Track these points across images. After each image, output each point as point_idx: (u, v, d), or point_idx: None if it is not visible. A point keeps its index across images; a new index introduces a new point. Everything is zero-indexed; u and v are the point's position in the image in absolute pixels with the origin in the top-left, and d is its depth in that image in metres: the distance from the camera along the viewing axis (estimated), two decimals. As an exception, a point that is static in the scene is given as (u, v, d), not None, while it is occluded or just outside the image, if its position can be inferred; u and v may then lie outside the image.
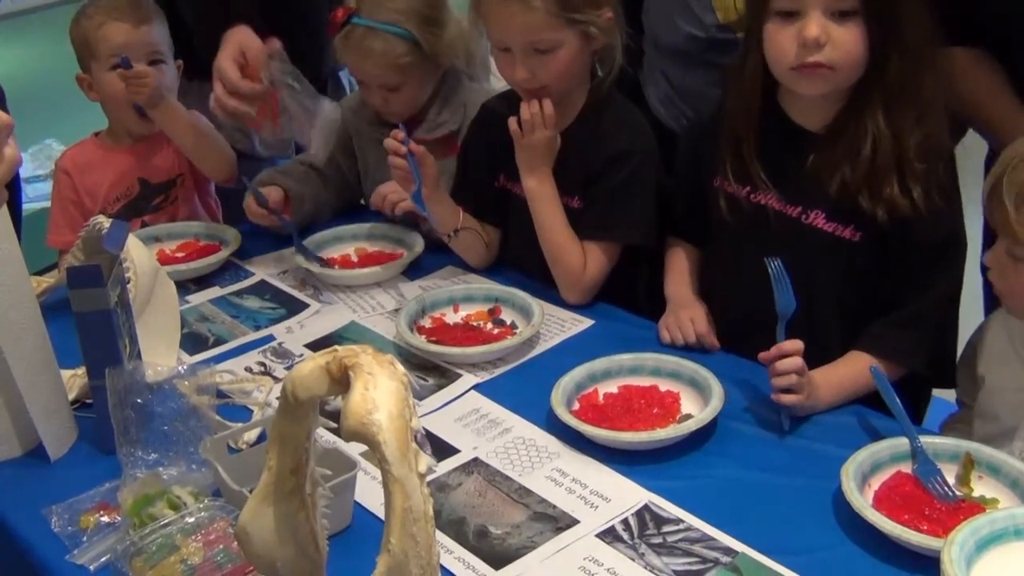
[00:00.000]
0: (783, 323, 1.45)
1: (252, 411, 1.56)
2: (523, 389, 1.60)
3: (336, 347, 0.88)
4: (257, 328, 1.82)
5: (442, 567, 1.23)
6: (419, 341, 1.69)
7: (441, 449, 1.46)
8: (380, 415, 0.81)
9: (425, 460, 0.83)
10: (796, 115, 1.56)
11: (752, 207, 1.60)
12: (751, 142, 1.57)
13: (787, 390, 1.43)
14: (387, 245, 2.06)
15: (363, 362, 0.84)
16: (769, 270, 1.44)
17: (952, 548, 1.01)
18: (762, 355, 1.44)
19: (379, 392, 0.82)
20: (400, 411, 0.82)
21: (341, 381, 0.86)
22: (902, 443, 1.35)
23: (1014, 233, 1.33)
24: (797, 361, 1.42)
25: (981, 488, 1.30)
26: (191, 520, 1.22)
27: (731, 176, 1.61)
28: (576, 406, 1.51)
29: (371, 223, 2.12)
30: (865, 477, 1.31)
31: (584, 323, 1.78)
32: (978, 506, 1.25)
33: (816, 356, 1.47)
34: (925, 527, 1.23)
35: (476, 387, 1.61)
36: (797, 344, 1.42)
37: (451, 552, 1.26)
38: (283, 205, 2.08)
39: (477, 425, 1.52)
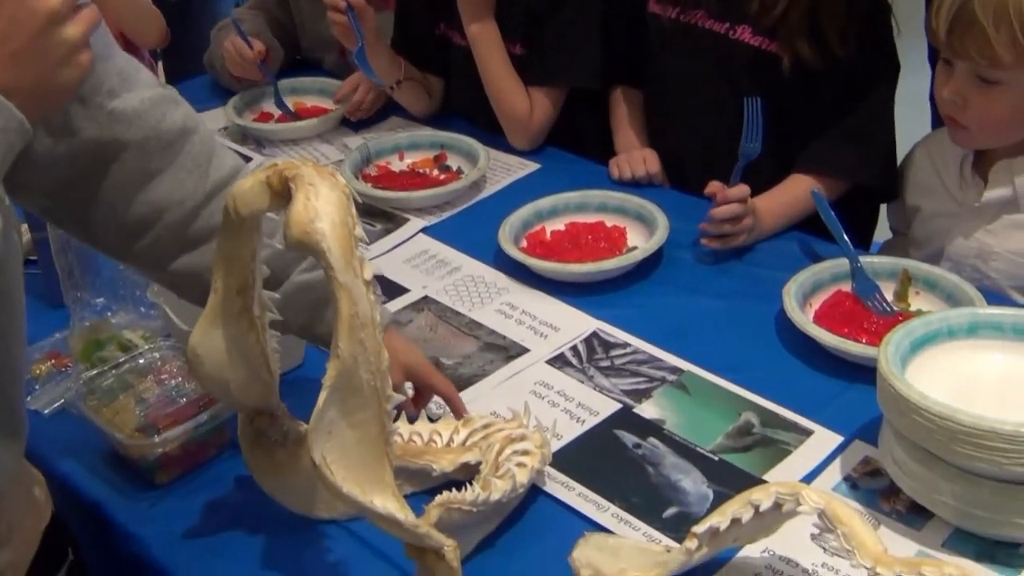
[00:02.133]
0: (743, 164, 1.46)
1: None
2: (471, 230, 1.61)
3: (276, 161, 0.87)
4: (200, 183, 1.80)
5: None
6: (365, 187, 1.69)
7: (391, 289, 1.47)
8: (323, 223, 0.81)
9: (370, 267, 0.84)
10: None
11: (682, 27, 1.61)
12: None
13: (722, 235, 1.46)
14: (324, 99, 2.03)
15: (304, 174, 0.83)
16: (745, 110, 1.44)
17: (888, 348, 1.04)
18: (708, 191, 1.46)
19: (321, 201, 0.82)
20: (343, 219, 0.82)
21: (283, 194, 0.85)
22: (842, 263, 1.38)
23: (992, 54, 1.25)
24: (734, 208, 1.44)
25: (918, 303, 1.34)
26: (143, 361, 1.23)
27: None
28: (524, 243, 1.52)
29: (310, 77, 2.08)
30: (806, 297, 1.34)
31: (531, 166, 1.78)
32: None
33: (746, 179, 1.49)
34: (864, 339, 1.27)
35: (424, 230, 1.62)
36: (743, 190, 1.45)
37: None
38: (265, 55, 2.04)
39: (426, 266, 1.53)
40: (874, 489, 1.08)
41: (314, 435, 0.83)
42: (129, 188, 1.00)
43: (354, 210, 0.84)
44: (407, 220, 1.64)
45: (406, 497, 1.04)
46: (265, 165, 0.87)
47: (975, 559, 0.99)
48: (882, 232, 1.70)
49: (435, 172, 1.77)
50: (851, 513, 0.89)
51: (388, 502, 0.87)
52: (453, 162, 1.78)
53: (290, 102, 2.02)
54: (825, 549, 1.01)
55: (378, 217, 1.65)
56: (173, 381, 1.19)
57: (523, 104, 1.78)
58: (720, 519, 0.93)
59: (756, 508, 0.92)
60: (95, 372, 1.21)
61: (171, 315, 1.28)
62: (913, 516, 1.04)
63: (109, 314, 1.33)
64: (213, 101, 2.07)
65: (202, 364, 0.97)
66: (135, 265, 1.11)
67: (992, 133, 1.36)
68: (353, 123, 1.96)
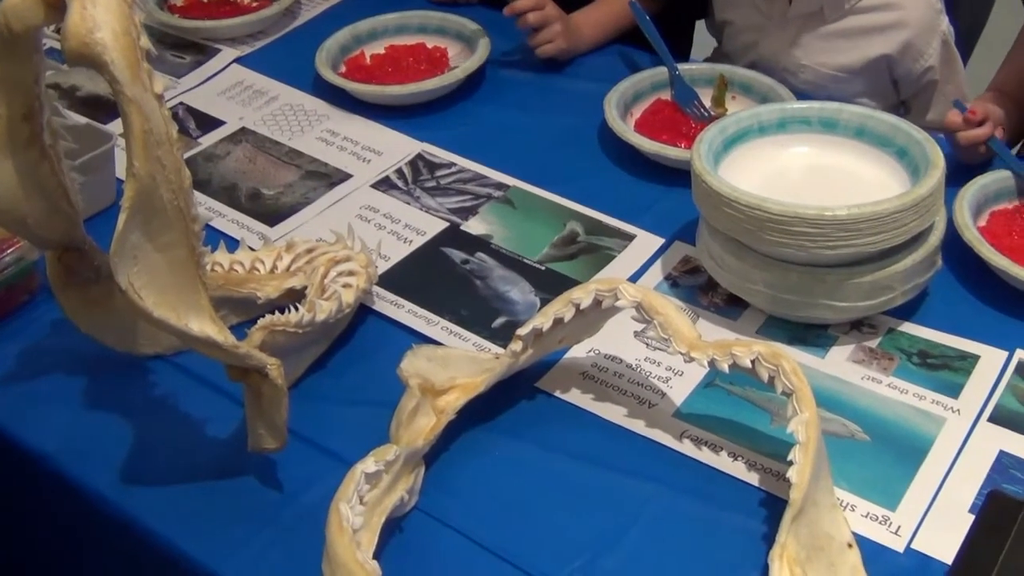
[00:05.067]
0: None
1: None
2: (288, 59, 1.54)
3: (46, -29, 0.80)
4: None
5: (216, 230, 1.21)
6: (171, 18, 1.59)
7: (205, 122, 1.41)
8: (103, 34, 0.76)
9: (161, 81, 0.79)
10: None
11: None
12: None
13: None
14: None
15: (78, -19, 0.77)
16: None
17: (700, 146, 1.06)
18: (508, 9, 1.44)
19: (99, 10, 0.76)
20: (125, 28, 0.77)
21: (56, 5, 0.79)
22: (661, 73, 1.38)
23: None
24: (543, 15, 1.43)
25: (735, 106, 1.36)
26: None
27: None
28: (343, 69, 1.48)
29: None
30: (627, 107, 1.35)
31: (348, -10, 1.72)
32: (731, 121, 1.32)
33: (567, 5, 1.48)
34: (683, 145, 1.28)
35: (238, 60, 1.55)
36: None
37: (224, 216, 1.25)
38: None
39: (242, 97, 1.47)
40: (693, 285, 1.12)
41: (118, 260, 0.79)
42: None
43: (138, 19, 0.78)
44: (219, 51, 1.56)
45: (232, 328, 1.03)
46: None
47: (787, 343, 1.04)
48: (698, 51, 1.71)
49: (247, 0, 1.68)
50: (666, 303, 0.92)
51: (205, 325, 0.84)
52: (266, -11, 1.70)
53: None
54: (648, 345, 1.05)
55: (188, 49, 1.57)
56: (-28, 227, 1.13)
57: None
58: (543, 320, 0.95)
59: (577, 307, 0.94)
60: None
61: (-36, 159, 1.20)
62: (729, 308, 1.08)
63: None
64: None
65: (-8, 198, 0.91)
66: None
67: None
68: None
